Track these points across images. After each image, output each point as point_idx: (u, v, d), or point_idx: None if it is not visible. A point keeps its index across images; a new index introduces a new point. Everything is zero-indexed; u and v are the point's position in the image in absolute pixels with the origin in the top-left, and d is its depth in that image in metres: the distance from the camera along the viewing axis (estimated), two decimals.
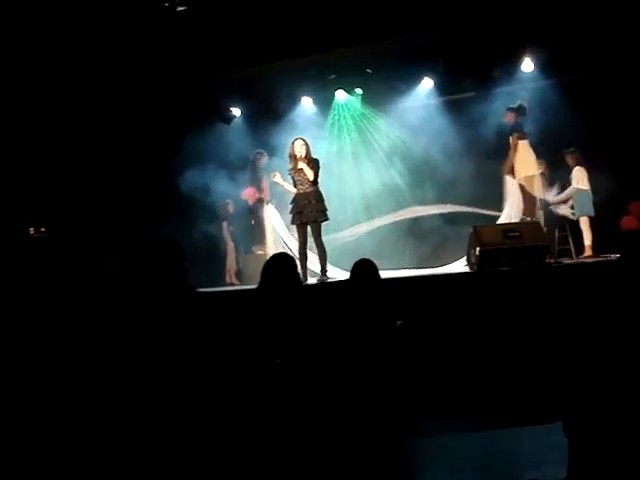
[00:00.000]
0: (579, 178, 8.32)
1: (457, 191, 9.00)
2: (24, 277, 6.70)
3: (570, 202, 8.41)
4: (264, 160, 9.31)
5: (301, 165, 7.24)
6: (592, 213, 8.22)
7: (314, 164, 7.30)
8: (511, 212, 8.36)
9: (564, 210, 8.46)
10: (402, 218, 9.32)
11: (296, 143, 7.36)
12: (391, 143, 9.79)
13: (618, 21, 7.80)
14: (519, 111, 8.33)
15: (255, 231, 9.38)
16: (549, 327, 5.08)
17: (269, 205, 9.07)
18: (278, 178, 7.66)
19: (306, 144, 7.34)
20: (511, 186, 8.40)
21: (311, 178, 7.24)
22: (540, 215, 8.38)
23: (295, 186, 7.41)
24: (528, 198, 8.26)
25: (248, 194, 9.35)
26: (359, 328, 4.06)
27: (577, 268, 6.99)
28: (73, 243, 8.11)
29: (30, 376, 3.07)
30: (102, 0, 7.62)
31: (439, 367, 5.32)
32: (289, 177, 7.57)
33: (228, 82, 9.44)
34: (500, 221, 8.29)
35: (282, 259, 4.13)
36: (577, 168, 8.37)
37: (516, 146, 8.28)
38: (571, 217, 8.37)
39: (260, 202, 9.25)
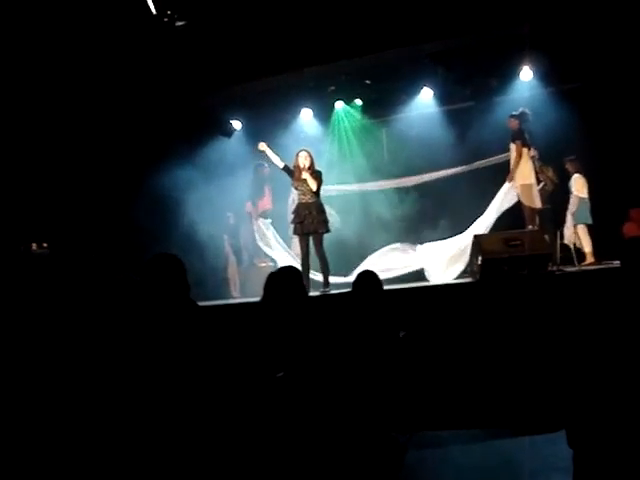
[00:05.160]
0: (579, 186, 8.29)
1: (456, 200, 8.99)
2: (27, 293, 6.71)
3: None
4: (266, 171, 9.33)
5: (305, 176, 7.30)
6: (590, 221, 8.19)
7: (317, 175, 7.35)
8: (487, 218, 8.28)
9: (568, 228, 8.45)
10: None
11: (300, 154, 7.43)
12: (391, 153, 9.81)
13: (616, 29, 7.82)
14: (522, 118, 8.19)
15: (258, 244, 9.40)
16: (552, 335, 5.08)
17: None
18: (263, 146, 7.83)
19: (310, 155, 7.43)
20: (501, 192, 8.30)
21: (314, 189, 7.29)
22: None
23: (297, 196, 7.50)
24: (527, 207, 8.10)
25: (251, 207, 9.35)
26: (362, 340, 4.07)
27: (579, 276, 6.99)
28: (76, 259, 8.12)
29: (30, 388, 3.07)
30: (102, 15, 7.67)
31: (443, 378, 5.31)
32: (292, 187, 7.71)
33: (228, 96, 9.48)
34: (475, 226, 8.22)
35: (288, 272, 4.12)
36: (576, 176, 8.34)
37: (520, 154, 8.07)
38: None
39: (264, 214, 9.28)
